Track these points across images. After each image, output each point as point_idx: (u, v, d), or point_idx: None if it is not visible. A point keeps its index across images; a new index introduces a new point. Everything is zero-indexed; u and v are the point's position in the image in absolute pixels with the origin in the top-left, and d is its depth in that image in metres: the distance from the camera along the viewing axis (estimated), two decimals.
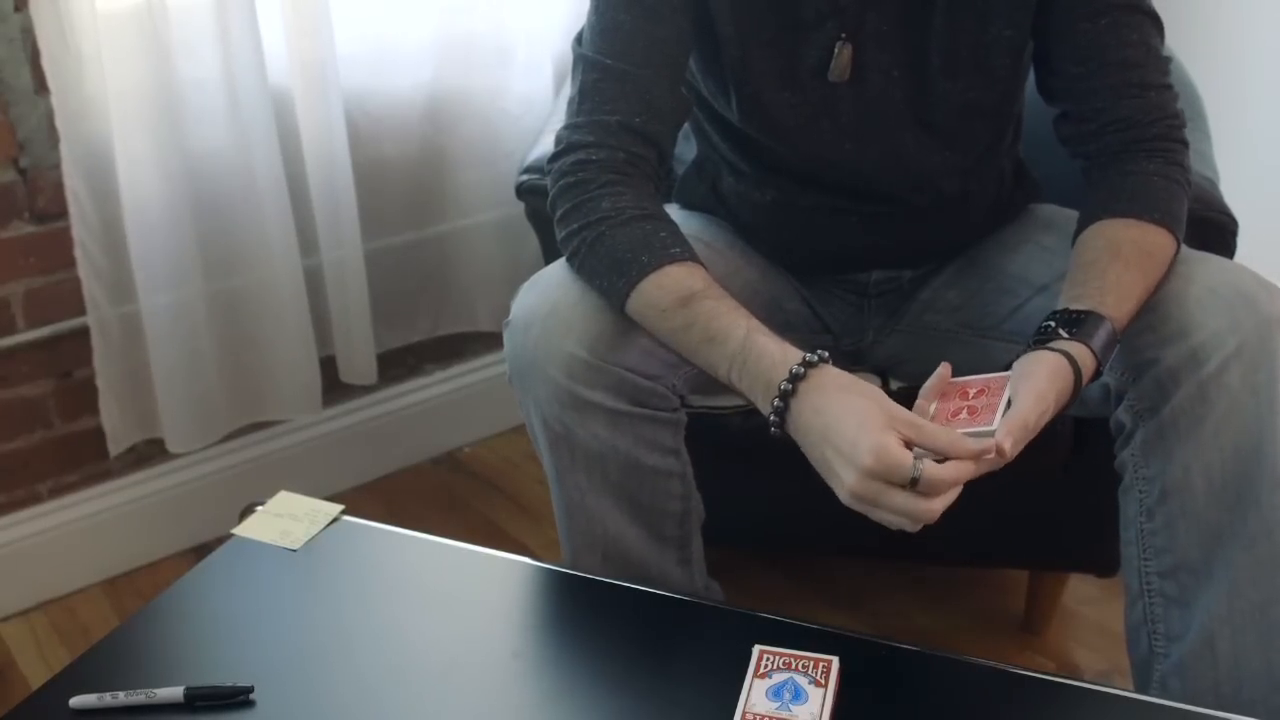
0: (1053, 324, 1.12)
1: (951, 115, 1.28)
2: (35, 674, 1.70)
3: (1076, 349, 1.09)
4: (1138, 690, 1.23)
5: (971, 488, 1.03)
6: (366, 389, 2.08)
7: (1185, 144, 1.24)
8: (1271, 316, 1.15)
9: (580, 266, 1.21)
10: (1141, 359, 1.17)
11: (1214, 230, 1.43)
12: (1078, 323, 1.11)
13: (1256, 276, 1.18)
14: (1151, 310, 1.17)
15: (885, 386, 1.49)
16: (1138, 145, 1.23)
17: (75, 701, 0.99)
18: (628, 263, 1.16)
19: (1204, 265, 1.20)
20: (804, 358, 1.07)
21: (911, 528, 1.01)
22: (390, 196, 2.00)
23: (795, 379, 1.06)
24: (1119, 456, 1.23)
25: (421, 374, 2.18)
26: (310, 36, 1.76)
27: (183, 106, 1.68)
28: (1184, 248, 1.24)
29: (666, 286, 1.14)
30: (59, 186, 1.67)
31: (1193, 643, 1.19)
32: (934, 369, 1.44)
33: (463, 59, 1.96)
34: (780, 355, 1.08)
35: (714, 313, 1.12)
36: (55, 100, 1.61)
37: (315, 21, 1.75)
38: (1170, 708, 1.00)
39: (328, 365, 1.97)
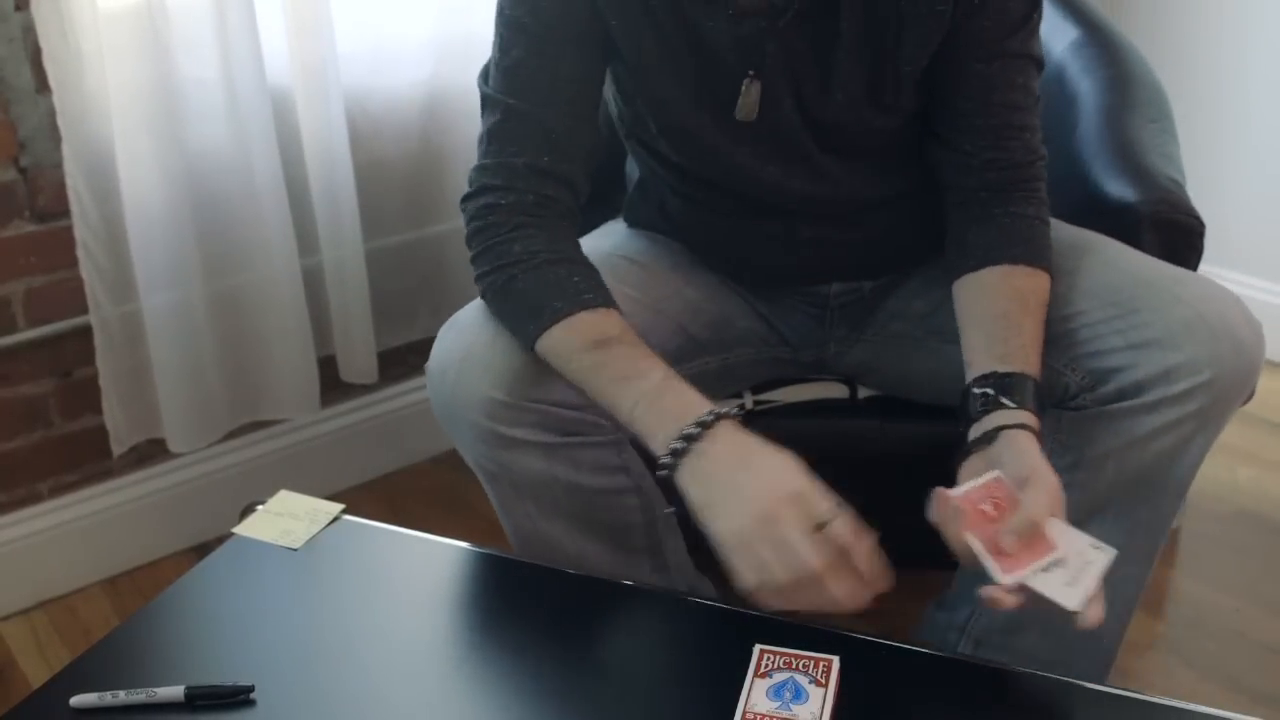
0: (991, 392, 1.12)
1: (863, 143, 1.27)
2: (36, 673, 1.70)
3: (1028, 418, 1.11)
4: (957, 586, 1.33)
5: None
6: (366, 388, 2.08)
7: (1044, 180, 1.27)
8: (1252, 361, 1.17)
9: (493, 310, 1.20)
10: (1108, 365, 1.18)
11: (1181, 233, 1.44)
12: (1013, 388, 1.12)
13: (1243, 309, 1.19)
14: (1121, 318, 1.19)
15: (853, 395, 1.50)
16: (1014, 186, 1.24)
17: (76, 701, 0.99)
18: (539, 308, 1.15)
19: (1195, 286, 1.20)
20: (729, 408, 1.06)
21: (780, 589, 0.97)
22: (390, 195, 2.00)
23: (720, 415, 1.05)
24: (1046, 405, 1.24)
25: (421, 373, 2.17)
26: (311, 36, 1.76)
27: (183, 105, 1.68)
28: (1170, 264, 1.25)
29: (580, 330, 1.13)
30: (59, 185, 1.67)
31: None
32: (902, 377, 1.44)
33: (462, 57, 1.96)
34: (698, 400, 1.07)
35: (631, 356, 1.11)
36: (57, 99, 1.61)
37: (316, 20, 1.75)
38: (1170, 707, 1.00)
39: (328, 364, 1.97)
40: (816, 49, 1.19)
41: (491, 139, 1.22)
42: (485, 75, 1.25)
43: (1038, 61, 1.25)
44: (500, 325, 1.20)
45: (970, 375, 1.16)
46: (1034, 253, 1.22)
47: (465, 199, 1.23)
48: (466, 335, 1.21)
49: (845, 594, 0.97)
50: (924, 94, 1.24)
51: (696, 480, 1.04)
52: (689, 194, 1.38)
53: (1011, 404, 1.11)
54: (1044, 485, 1.04)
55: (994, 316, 1.19)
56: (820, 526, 0.97)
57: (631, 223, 1.49)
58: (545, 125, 1.20)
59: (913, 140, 1.31)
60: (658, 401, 1.08)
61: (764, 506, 0.98)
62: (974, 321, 1.20)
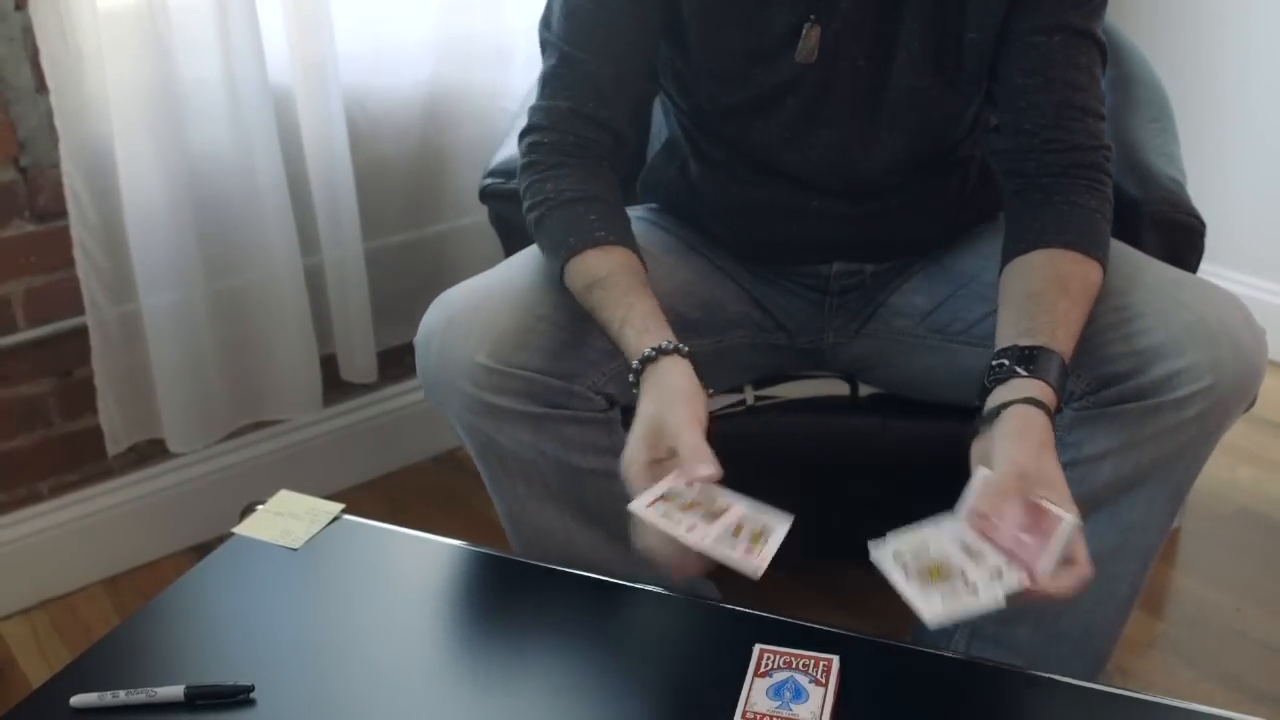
0: (1007, 362, 1.10)
1: (909, 111, 1.28)
2: (36, 673, 1.70)
3: (1040, 389, 1.07)
4: None
5: None
6: (366, 388, 2.08)
7: (1111, 176, 1.25)
8: (1253, 367, 1.16)
9: (538, 244, 1.27)
10: (1112, 371, 1.18)
11: (1182, 232, 1.44)
12: (1032, 359, 1.09)
13: (1246, 314, 1.19)
14: (1125, 324, 1.18)
15: (854, 393, 1.49)
16: (1076, 171, 1.22)
17: (76, 700, 0.99)
18: (559, 244, 1.22)
19: (1198, 291, 1.20)
20: (644, 353, 1.12)
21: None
22: (390, 195, 2.00)
23: (637, 374, 1.12)
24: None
25: None
26: (311, 35, 1.75)
27: (183, 106, 1.68)
28: (1174, 268, 1.25)
29: (580, 272, 1.20)
30: (59, 185, 1.67)
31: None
32: (902, 375, 1.44)
33: (462, 57, 1.96)
34: (634, 346, 1.13)
35: (603, 303, 1.18)
36: (55, 99, 1.61)
37: (316, 20, 1.75)
38: (1170, 706, 1.00)
39: (328, 364, 1.97)
40: (885, 5, 1.22)
41: (545, 83, 1.29)
42: (546, 20, 1.30)
43: (1100, 46, 1.24)
44: (483, 294, 1.25)
45: (994, 351, 1.14)
46: (1088, 242, 1.19)
47: (520, 136, 1.29)
48: (452, 305, 1.26)
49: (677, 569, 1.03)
50: (986, 72, 1.25)
51: None
52: (711, 156, 1.39)
53: (1024, 372, 1.07)
54: (1002, 468, 1.01)
55: (1028, 295, 1.16)
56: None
57: (649, 185, 1.51)
58: (594, 75, 1.26)
59: (956, 128, 1.33)
60: (622, 351, 1.16)
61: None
62: (1008, 300, 1.18)
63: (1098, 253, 1.19)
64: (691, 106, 1.36)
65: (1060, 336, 1.11)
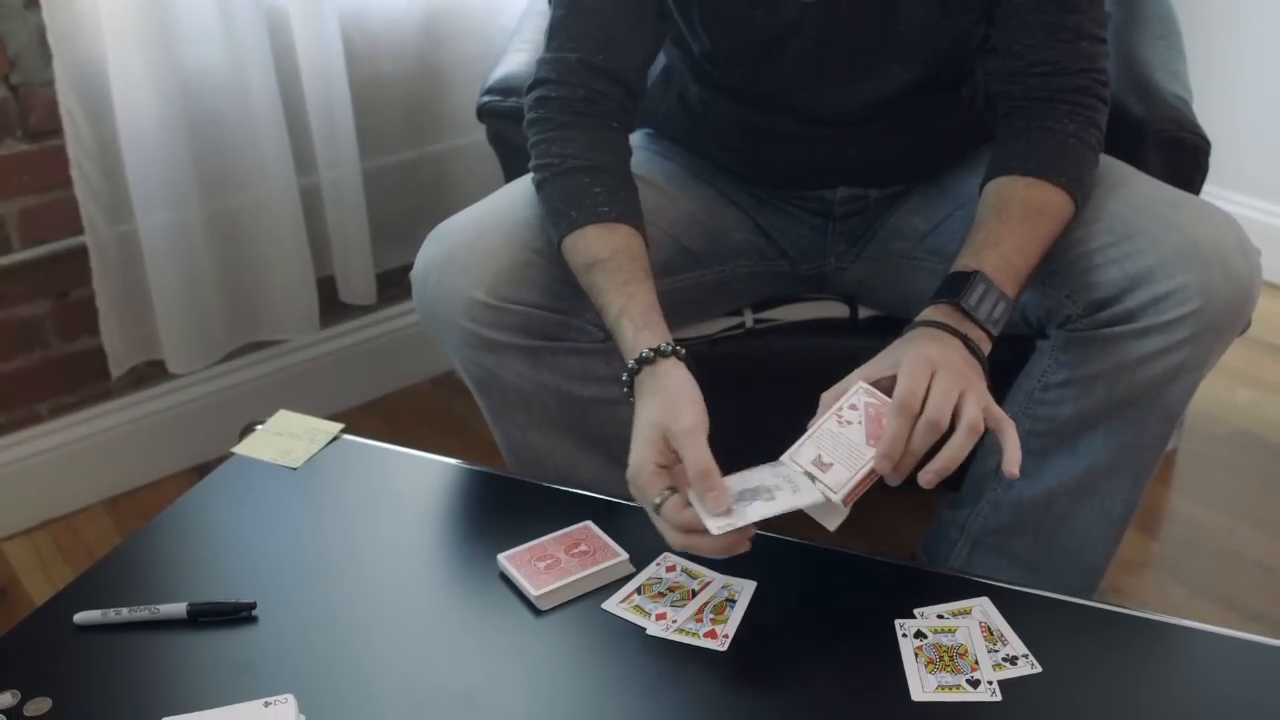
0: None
1: (919, 42, 1.25)
2: (39, 591, 1.71)
3: (935, 311, 1.09)
4: (964, 486, 1.37)
5: None
6: (365, 309, 2.08)
7: (1105, 102, 1.23)
8: (1243, 290, 1.16)
9: (542, 207, 1.22)
10: (1104, 295, 1.18)
11: (1187, 151, 1.42)
12: (945, 284, 1.12)
13: (1239, 236, 1.18)
14: (1116, 245, 1.18)
15: (854, 315, 1.49)
16: (1060, 95, 1.21)
17: (79, 617, 1.00)
18: (560, 215, 1.18)
19: (1190, 212, 1.19)
20: (641, 353, 1.08)
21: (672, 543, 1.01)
22: (387, 115, 1.98)
23: (631, 374, 1.09)
24: (1048, 325, 1.25)
25: None
26: None
27: (176, 22, 1.66)
28: (1171, 187, 1.24)
29: (580, 249, 1.16)
30: (51, 104, 1.65)
31: (1036, 491, 1.29)
32: (901, 296, 1.44)
33: None
34: (631, 343, 1.10)
35: (602, 287, 1.14)
36: (46, 15, 1.59)
37: None
38: (1163, 623, 1.01)
39: (326, 285, 1.97)
40: None
41: (554, 33, 1.24)
42: None
43: None
44: (480, 229, 1.23)
45: None
46: (1049, 166, 1.18)
47: (526, 90, 1.26)
48: (450, 239, 1.24)
49: (711, 551, 1.00)
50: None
51: None
52: (712, 81, 1.37)
53: (932, 301, 1.11)
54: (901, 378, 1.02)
55: (973, 227, 1.18)
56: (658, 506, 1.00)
57: (646, 114, 1.47)
58: (605, 22, 1.22)
59: (965, 55, 1.31)
60: (615, 339, 1.12)
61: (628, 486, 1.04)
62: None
63: (1061, 178, 1.18)
64: (699, 51, 1.33)
65: (972, 256, 1.13)
